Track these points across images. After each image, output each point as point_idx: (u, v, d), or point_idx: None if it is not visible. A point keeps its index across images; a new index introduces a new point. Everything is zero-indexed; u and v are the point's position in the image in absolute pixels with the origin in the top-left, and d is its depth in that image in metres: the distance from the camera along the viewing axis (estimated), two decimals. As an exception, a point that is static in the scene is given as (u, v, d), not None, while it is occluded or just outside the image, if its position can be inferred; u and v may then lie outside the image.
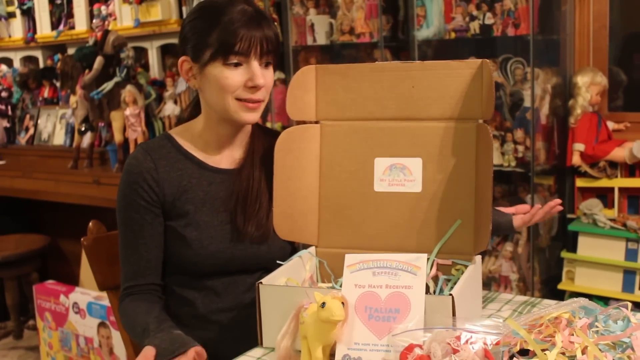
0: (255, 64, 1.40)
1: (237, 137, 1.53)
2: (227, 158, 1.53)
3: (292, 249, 1.56)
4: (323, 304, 1.10)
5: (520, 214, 1.55)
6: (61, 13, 4.05)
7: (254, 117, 1.45)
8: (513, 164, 2.69)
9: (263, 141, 1.55)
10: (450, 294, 1.12)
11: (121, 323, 1.51)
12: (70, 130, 4.06)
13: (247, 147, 1.54)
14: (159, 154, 1.48)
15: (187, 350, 1.23)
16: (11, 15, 4.35)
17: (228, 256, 1.47)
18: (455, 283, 1.33)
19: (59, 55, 4.12)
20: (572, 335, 0.98)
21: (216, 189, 1.49)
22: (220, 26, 1.38)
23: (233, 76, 1.40)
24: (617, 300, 2.45)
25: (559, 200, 1.50)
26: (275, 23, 3.19)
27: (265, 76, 1.43)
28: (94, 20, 3.72)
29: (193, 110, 1.57)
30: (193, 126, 1.54)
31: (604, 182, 2.65)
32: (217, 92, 1.42)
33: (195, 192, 1.47)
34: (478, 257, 1.36)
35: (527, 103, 2.64)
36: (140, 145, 1.51)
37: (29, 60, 4.42)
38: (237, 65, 1.40)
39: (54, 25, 4.10)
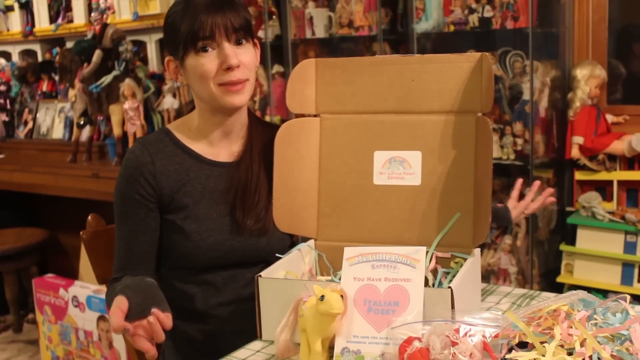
0: (225, 45, 1.40)
1: (234, 129, 1.52)
2: (226, 151, 1.53)
3: (291, 242, 1.57)
4: (322, 297, 1.10)
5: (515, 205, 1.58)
6: (60, 6, 4.04)
7: (240, 99, 1.44)
8: (512, 157, 2.69)
9: (261, 134, 1.55)
10: (449, 287, 1.12)
11: (106, 304, 1.49)
12: (69, 124, 4.05)
13: (245, 140, 1.54)
14: (157, 148, 1.48)
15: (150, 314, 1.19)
16: (9, 8, 4.34)
17: (227, 248, 1.47)
18: (454, 276, 1.33)
19: (57, 49, 4.11)
20: (571, 327, 0.98)
21: (214, 182, 1.50)
22: (186, 18, 1.40)
23: (207, 62, 1.40)
24: (616, 292, 2.46)
25: (550, 190, 1.51)
26: (274, 16, 3.20)
27: (241, 54, 1.42)
28: (93, 14, 3.71)
29: (191, 104, 1.57)
30: (190, 120, 1.54)
31: (602, 175, 2.66)
32: (199, 81, 1.43)
33: (193, 185, 1.48)
34: (477, 250, 1.36)
35: (526, 96, 2.63)
36: (138, 140, 1.52)
37: (27, 53, 4.41)
38: (205, 49, 1.40)
39: (53, 19, 4.09)
